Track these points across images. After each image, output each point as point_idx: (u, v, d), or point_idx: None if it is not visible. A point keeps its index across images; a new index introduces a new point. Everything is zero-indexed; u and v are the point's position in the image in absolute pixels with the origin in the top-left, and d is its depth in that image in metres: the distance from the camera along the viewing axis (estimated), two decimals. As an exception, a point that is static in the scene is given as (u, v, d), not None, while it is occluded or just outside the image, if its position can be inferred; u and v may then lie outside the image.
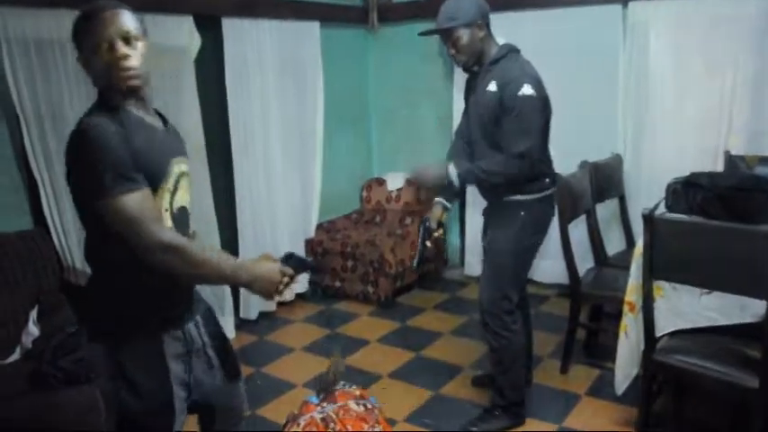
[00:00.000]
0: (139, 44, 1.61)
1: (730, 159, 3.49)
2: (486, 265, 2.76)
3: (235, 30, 3.79)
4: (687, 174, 3.18)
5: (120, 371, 1.62)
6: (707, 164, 3.63)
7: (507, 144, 2.47)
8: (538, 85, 2.46)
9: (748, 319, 2.27)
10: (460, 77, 4.51)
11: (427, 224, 2.80)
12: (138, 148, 1.55)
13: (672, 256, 2.21)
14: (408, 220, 4.56)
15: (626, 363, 2.54)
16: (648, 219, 2.21)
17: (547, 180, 2.64)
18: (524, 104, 2.41)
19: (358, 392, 2.29)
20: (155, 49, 3.26)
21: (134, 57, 1.58)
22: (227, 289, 3.83)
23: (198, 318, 1.82)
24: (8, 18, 2.82)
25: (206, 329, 1.84)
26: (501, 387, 2.79)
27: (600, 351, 3.29)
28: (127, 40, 1.57)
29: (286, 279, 1.73)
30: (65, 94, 3.05)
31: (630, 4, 3.74)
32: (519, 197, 2.60)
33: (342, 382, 2.35)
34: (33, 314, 2.84)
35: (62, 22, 2.97)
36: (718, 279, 2.14)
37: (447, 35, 2.55)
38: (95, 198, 1.50)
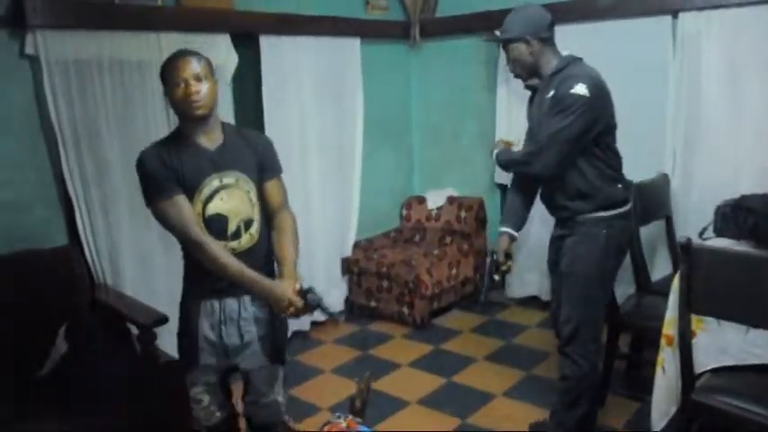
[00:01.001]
0: (207, 82, 2.08)
1: (789, 180, 3.27)
2: (567, 290, 2.54)
3: (272, 47, 3.78)
4: (739, 195, 3.02)
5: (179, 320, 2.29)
6: (762, 184, 3.36)
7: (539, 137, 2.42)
8: (595, 87, 2.32)
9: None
10: (504, 92, 4.44)
11: (495, 257, 2.66)
12: (176, 168, 2.08)
13: (712, 289, 2.03)
14: (448, 240, 4.46)
15: (663, 400, 2.36)
16: (686, 247, 2.04)
17: (620, 185, 2.50)
18: (570, 102, 2.29)
19: (345, 424, 2.17)
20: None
21: (202, 91, 2.05)
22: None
23: (244, 299, 2.20)
24: (49, 40, 2.87)
25: (249, 311, 2.22)
26: (562, 422, 2.58)
27: (640, 383, 3.09)
28: (197, 78, 2.05)
29: (292, 309, 2.05)
30: (101, 114, 3.08)
31: (681, 15, 3.55)
32: (601, 213, 2.45)
33: (337, 414, 2.25)
34: (62, 330, 2.86)
35: (102, 44, 3.04)
36: (765, 316, 1.95)
37: (503, 45, 2.52)
38: (146, 205, 2.16)
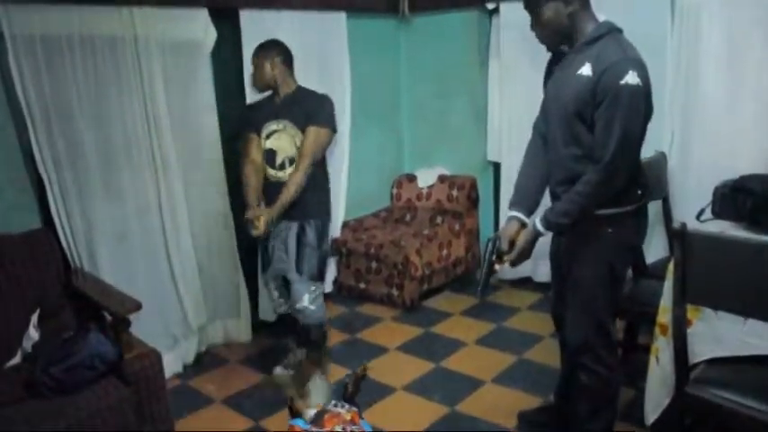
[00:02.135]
0: (257, 67, 3.11)
1: (791, 159, 3.15)
2: (572, 295, 2.34)
3: (253, 22, 3.61)
4: (738, 176, 2.90)
5: None
6: (761, 164, 3.26)
7: (598, 147, 2.06)
8: (643, 72, 2.02)
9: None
10: (496, 67, 4.29)
11: (497, 243, 2.31)
12: (252, 114, 3.18)
13: (708, 278, 1.91)
14: (439, 219, 4.34)
15: (656, 391, 2.28)
16: (680, 234, 1.92)
17: (639, 191, 2.23)
18: (627, 96, 1.98)
19: (349, 417, 2.10)
20: (167, 44, 3.22)
21: (255, 73, 3.14)
22: (242, 291, 3.71)
23: (292, 224, 3.06)
24: (13, 14, 2.71)
25: (294, 232, 3.05)
26: None
27: (636, 369, 3.00)
28: (253, 64, 3.13)
29: (255, 231, 2.98)
30: (72, 93, 2.94)
31: (680, -15, 3.40)
32: (605, 211, 2.17)
33: (333, 401, 2.17)
34: (34, 318, 2.75)
35: (71, 19, 2.88)
36: (764, 308, 1.83)
37: (530, 10, 2.20)
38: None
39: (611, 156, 2.03)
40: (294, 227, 3.06)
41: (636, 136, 2.06)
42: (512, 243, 2.30)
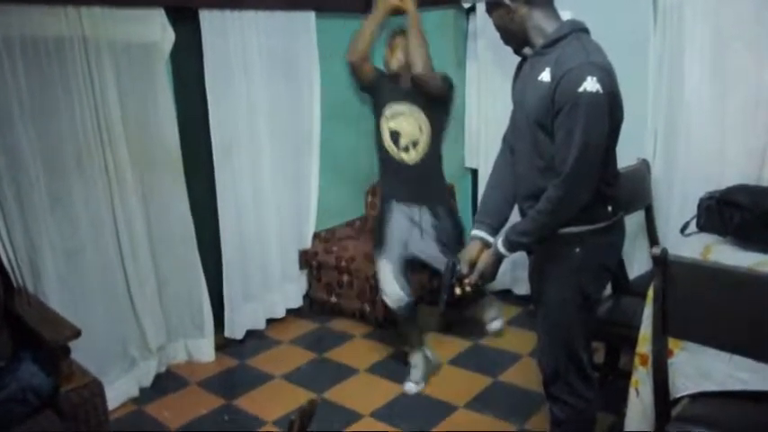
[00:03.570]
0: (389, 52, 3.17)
1: (779, 166, 2.99)
2: (541, 320, 2.18)
3: (214, 23, 3.41)
4: (725, 184, 2.73)
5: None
6: (751, 171, 3.08)
7: (558, 161, 1.90)
8: (606, 77, 1.83)
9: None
10: (474, 68, 4.11)
11: (457, 267, 2.16)
12: (376, 95, 3.21)
13: (691, 310, 1.72)
14: (414, 230, 4.14)
15: (637, 425, 2.09)
16: (661, 260, 1.73)
17: (609, 207, 2.04)
18: (585, 105, 1.80)
19: None
20: (119, 46, 3.02)
21: (392, 56, 3.16)
22: (206, 308, 3.51)
23: (424, 207, 3.12)
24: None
25: (427, 216, 3.13)
26: None
27: (617, 394, 2.82)
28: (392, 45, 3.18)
29: None
30: (13, 99, 2.72)
31: (663, -17, 3.23)
32: (572, 229, 2.00)
33: None
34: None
35: (10, 19, 2.66)
36: (753, 345, 1.64)
37: (486, 10, 2.06)
38: None
39: (571, 169, 1.85)
40: (425, 211, 3.14)
41: (597, 147, 1.87)
42: (473, 265, 2.13)
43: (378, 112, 3.15)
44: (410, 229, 3.15)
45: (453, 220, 3.25)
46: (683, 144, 3.28)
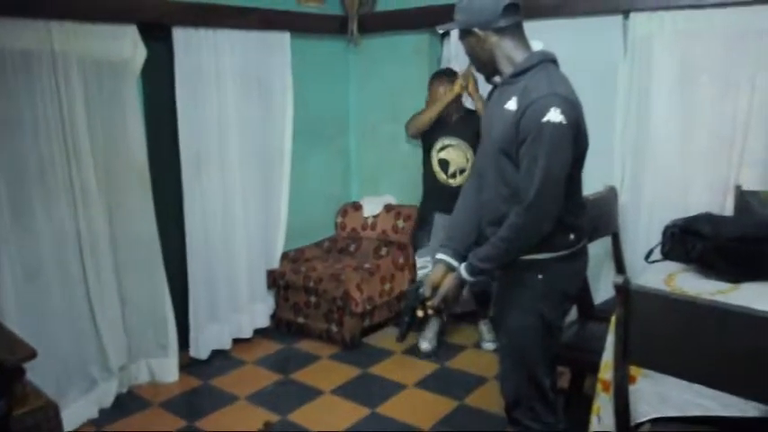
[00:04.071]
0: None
1: (741, 195, 3.04)
2: (503, 346, 2.19)
3: (188, 40, 3.40)
4: (692, 212, 2.76)
5: None
6: (715, 199, 3.17)
7: (522, 189, 1.91)
8: (570, 108, 1.87)
9: (752, 413, 1.80)
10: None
11: (420, 290, 2.18)
12: (431, 131, 3.58)
13: (653, 339, 1.73)
14: (384, 251, 4.14)
15: (599, 453, 2.09)
16: (623, 290, 1.74)
17: (572, 236, 2.05)
18: (549, 135, 1.83)
19: None
20: (89, 61, 2.98)
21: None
22: (171, 327, 3.45)
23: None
24: None
25: None
26: None
27: (581, 419, 2.82)
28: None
29: None
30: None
31: (632, 15, 3.29)
32: (535, 256, 2.01)
33: None
34: None
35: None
36: (712, 374, 1.65)
37: (460, 36, 2.09)
38: None
39: (533, 198, 1.88)
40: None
41: (560, 177, 1.89)
42: (436, 289, 2.13)
43: (428, 146, 3.63)
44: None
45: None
46: (650, 172, 3.34)
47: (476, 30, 1.99)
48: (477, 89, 3.44)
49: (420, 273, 3.64)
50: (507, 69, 2.01)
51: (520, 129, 1.89)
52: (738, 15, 3.02)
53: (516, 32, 2.01)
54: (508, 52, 2.00)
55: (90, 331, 3.15)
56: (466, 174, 3.47)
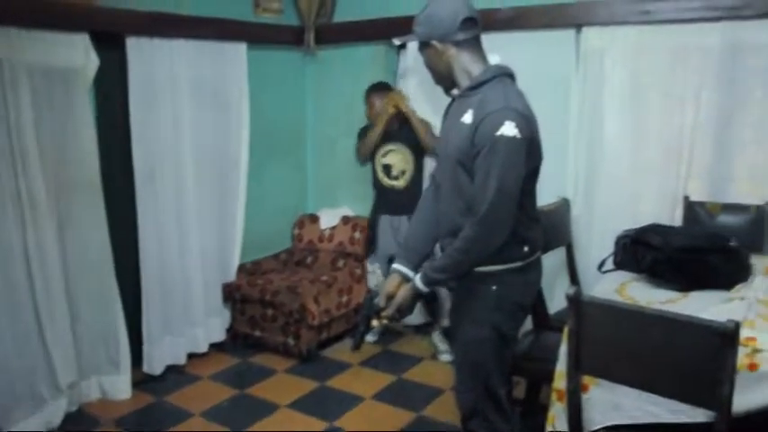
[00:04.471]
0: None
1: (690, 206, 3.14)
2: (458, 357, 2.21)
3: (142, 50, 3.34)
4: (643, 222, 2.83)
5: None
6: (665, 210, 3.26)
7: (476, 201, 1.93)
8: (524, 123, 1.89)
9: (700, 419, 1.84)
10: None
11: (375, 300, 2.18)
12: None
13: (603, 348, 1.77)
14: (341, 263, 4.13)
15: (554, 461, 2.11)
16: (574, 301, 1.77)
17: (526, 248, 2.06)
18: (502, 149, 1.86)
19: None
20: (38, 70, 2.91)
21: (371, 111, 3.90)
22: (123, 343, 3.37)
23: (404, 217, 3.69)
24: None
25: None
26: None
27: (538, 428, 2.84)
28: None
29: None
30: None
31: (584, 30, 3.36)
32: (488, 268, 2.03)
33: None
34: None
35: None
36: (658, 381, 1.69)
37: (420, 48, 2.09)
38: None
39: (486, 210, 1.90)
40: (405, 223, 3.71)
41: (513, 190, 1.91)
42: (391, 298, 2.14)
43: (372, 155, 3.89)
44: (394, 233, 3.82)
45: None
46: (602, 184, 3.41)
47: (434, 42, 2.01)
48: (408, 107, 3.71)
49: (370, 277, 3.88)
50: (464, 82, 2.03)
51: (475, 142, 1.91)
52: (684, 32, 3.12)
53: (474, 46, 2.03)
54: (466, 65, 2.02)
55: (38, 348, 3.05)
56: (407, 175, 3.81)
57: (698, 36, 3.09)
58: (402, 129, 3.80)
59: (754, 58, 3.01)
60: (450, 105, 2.16)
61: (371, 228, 3.97)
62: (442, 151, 2.14)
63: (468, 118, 1.96)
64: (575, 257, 3.27)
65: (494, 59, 2.07)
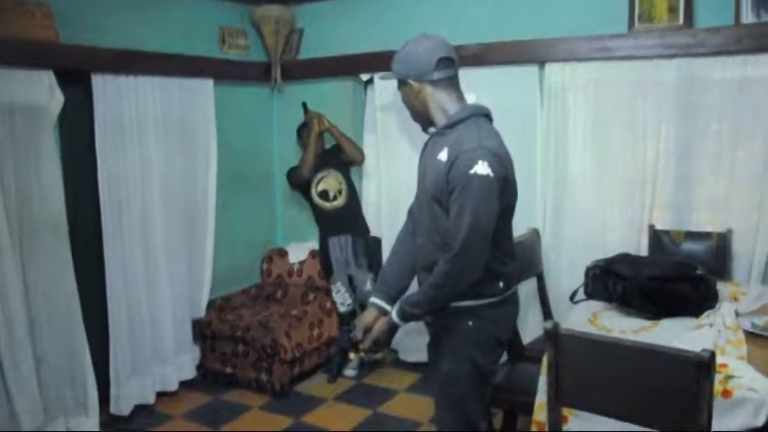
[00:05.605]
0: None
1: (655, 234, 3.24)
2: (437, 392, 2.20)
3: (107, 87, 3.33)
4: (611, 251, 2.91)
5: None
6: (631, 238, 3.35)
7: (450, 237, 1.97)
8: (497, 162, 1.93)
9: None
10: (372, 139, 4.20)
11: (351, 333, 2.21)
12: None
13: (582, 380, 1.79)
14: (311, 297, 4.12)
15: (536, 495, 2.12)
16: (552, 334, 1.80)
17: (501, 283, 2.09)
18: (476, 187, 1.90)
19: None
20: (2, 107, 2.87)
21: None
22: (90, 385, 3.28)
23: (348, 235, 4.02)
24: None
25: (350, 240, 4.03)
26: None
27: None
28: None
29: None
30: None
31: (547, 66, 3.47)
32: (465, 302, 2.05)
33: None
34: None
35: None
36: (637, 411, 1.71)
37: (399, 86, 2.13)
38: None
39: (460, 246, 1.93)
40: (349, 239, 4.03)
41: (486, 227, 1.95)
42: (368, 331, 2.16)
43: (307, 188, 4.01)
44: (343, 250, 4.02)
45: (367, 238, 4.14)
46: (570, 214, 3.50)
47: (410, 81, 2.06)
48: (331, 124, 3.95)
49: (336, 296, 3.97)
50: (441, 120, 2.08)
51: (449, 179, 1.96)
52: (642, 68, 3.24)
53: (450, 85, 2.08)
54: (442, 104, 2.07)
55: (-1, 393, 2.96)
56: (344, 193, 4.00)
57: (655, 72, 3.22)
58: (325, 154, 3.99)
59: (707, 94, 3.14)
60: (427, 142, 2.21)
61: (323, 253, 4.03)
62: (420, 186, 2.18)
63: (443, 155, 2.00)
64: (546, 287, 3.31)
65: (470, 98, 2.13)
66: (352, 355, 2.20)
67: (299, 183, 4.00)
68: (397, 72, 2.09)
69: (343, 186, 4.01)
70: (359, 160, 4.07)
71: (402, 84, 2.10)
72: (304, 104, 4.07)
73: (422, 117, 2.13)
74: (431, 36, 2.10)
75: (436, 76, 2.04)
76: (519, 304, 2.25)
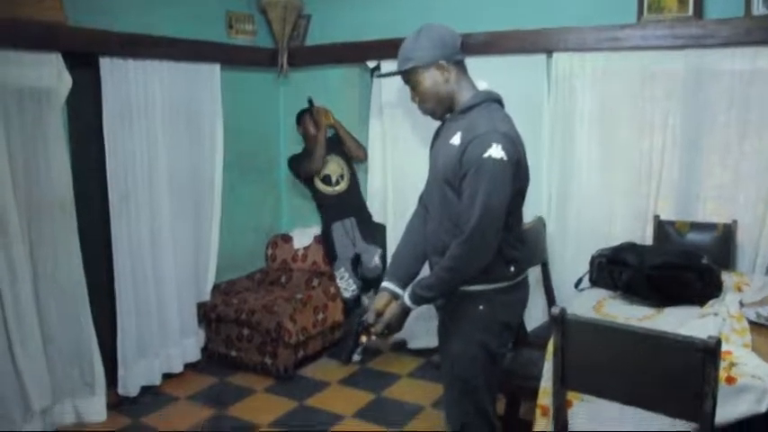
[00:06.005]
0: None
1: (660, 225, 3.25)
2: (447, 374, 2.22)
3: (115, 70, 3.33)
4: (615, 240, 2.93)
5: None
6: (636, 229, 3.37)
7: (462, 221, 1.98)
8: (511, 145, 1.94)
9: (680, 428, 1.91)
10: (378, 126, 4.20)
11: (363, 318, 2.21)
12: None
13: (588, 365, 1.83)
14: (315, 282, 4.15)
15: (539, 478, 2.16)
16: (559, 319, 1.83)
17: (512, 268, 2.11)
18: (489, 170, 1.91)
19: None
20: (10, 90, 2.88)
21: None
22: (97, 365, 3.32)
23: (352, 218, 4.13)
24: None
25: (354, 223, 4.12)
26: None
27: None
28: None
29: None
30: None
31: (555, 55, 3.47)
32: (475, 287, 2.07)
33: None
34: None
35: None
36: (643, 396, 1.75)
37: (407, 79, 2.11)
38: None
39: (472, 229, 1.95)
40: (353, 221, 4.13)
41: (498, 211, 1.96)
42: (380, 315, 2.17)
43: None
44: (347, 235, 4.08)
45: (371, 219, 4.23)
46: (575, 203, 3.51)
47: (442, 62, 2.04)
48: (337, 121, 4.11)
49: (340, 282, 4.03)
50: (459, 106, 2.08)
51: (462, 163, 1.97)
52: (651, 59, 3.24)
53: (464, 72, 2.10)
54: (459, 90, 2.08)
55: (9, 371, 2.99)
56: (345, 178, 4.10)
57: (664, 62, 3.22)
58: (332, 141, 4.09)
59: (715, 85, 3.14)
60: (439, 128, 2.22)
61: (326, 238, 4.11)
62: (431, 172, 2.19)
63: (456, 140, 2.01)
64: (550, 275, 3.33)
65: (482, 85, 2.14)
66: (363, 339, 2.21)
67: (307, 176, 4.07)
68: (431, 56, 2.03)
69: (345, 171, 4.11)
70: (361, 158, 4.20)
71: (415, 75, 2.07)
72: (310, 100, 4.10)
73: (444, 103, 2.10)
74: (435, 24, 2.11)
75: (459, 56, 2.08)
76: (529, 289, 2.27)
